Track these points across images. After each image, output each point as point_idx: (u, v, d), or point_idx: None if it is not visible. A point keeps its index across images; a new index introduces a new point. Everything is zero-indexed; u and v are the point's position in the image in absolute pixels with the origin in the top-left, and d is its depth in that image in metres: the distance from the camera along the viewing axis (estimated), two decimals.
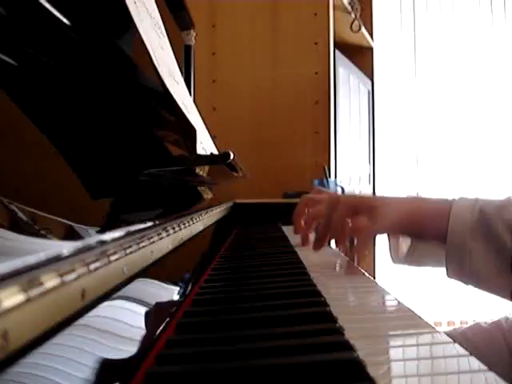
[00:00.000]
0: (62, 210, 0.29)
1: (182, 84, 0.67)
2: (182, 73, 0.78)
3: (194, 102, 0.83)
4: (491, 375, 0.27)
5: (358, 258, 0.60)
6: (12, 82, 0.31)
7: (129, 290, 0.31)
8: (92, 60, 0.45)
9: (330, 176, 1.57)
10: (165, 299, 0.41)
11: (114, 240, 0.30)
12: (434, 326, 0.36)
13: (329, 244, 0.70)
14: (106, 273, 0.26)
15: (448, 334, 0.34)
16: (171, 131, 0.64)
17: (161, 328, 0.36)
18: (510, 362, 0.69)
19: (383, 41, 2.74)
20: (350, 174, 1.96)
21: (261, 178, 1.57)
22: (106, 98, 0.48)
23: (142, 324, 0.33)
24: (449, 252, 0.57)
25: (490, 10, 2.87)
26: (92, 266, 0.24)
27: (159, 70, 0.52)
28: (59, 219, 0.27)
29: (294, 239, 0.82)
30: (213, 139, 0.83)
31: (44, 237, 0.24)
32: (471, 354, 0.29)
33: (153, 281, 0.38)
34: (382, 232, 0.62)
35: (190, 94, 0.97)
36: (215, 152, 0.76)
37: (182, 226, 0.49)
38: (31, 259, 0.20)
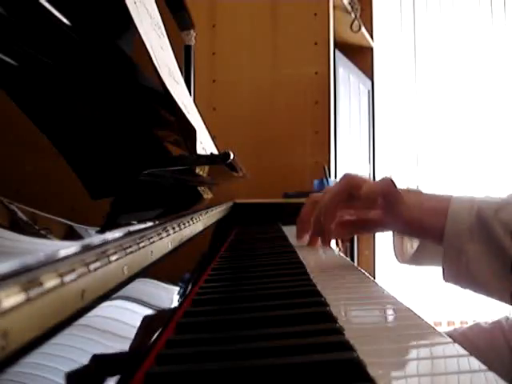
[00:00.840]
0: (62, 210, 0.29)
1: (182, 84, 0.67)
2: (181, 73, 0.78)
3: (194, 101, 0.83)
4: (491, 375, 0.27)
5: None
6: (12, 82, 0.31)
7: (129, 290, 0.31)
8: (92, 60, 0.45)
9: (330, 176, 1.57)
10: (165, 299, 0.41)
11: (114, 240, 0.30)
12: (433, 325, 0.36)
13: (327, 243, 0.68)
14: (106, 273, 0.26)
15: (448, 334, 0.34)
16: (171, 131, 0.64)
17: (161, 328, 0.36)
18: (511, 361, 0.69)
19: (383, 41, 2.74)
20: None
21: (261, 178, 1.57)
22: (106, 98, 0.48)
23: (142, 324, 0.33)
24: (445, 254, 0.56)
25: (490, 9, 2.87)
26: (92, 266, 0.24)
27: (159, 70, 0.52)
28: (59, 219, 0.27)
29: (294, 239, 0.82)
30: (213, 139, 0.83)
31: (44, 237, 0.24)
32: (471, 354, 0.29)
33: (153, 281, 0.38)
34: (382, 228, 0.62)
35: (190, 94, 0.97)
36: (215, 152, 0.76)
37: (182, 226, 0.49)
38: (31, 259, 0.20)
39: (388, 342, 0.34)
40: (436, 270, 0.65)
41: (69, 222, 0.28)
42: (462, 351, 0.30)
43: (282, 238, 0.89)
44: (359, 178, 0.63)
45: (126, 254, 0.30)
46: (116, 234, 0.31)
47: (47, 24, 0.36)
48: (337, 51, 1.75)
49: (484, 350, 0.71)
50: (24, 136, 0.31)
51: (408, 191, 0.61)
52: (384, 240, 2.01)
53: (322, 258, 0.71)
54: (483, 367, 0.28)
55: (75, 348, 0.23)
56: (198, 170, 0.60)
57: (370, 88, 2.37)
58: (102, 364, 0.25)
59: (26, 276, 0.18)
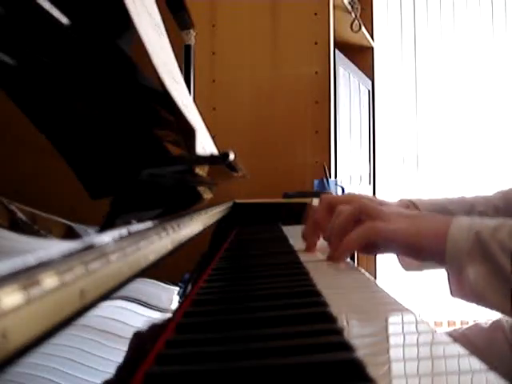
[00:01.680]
0: (62, 209, 0.29)
1: (181, 84, 0.67)
2: (181, 73, 0.78)
3: (194, 101, 0.83)
4: (492, 375, 0.26)
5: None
6: (12, 82, 0.31)
7: (129, 289, 0.31)
8: (91, 60, 0.45)
9: (330, 176, 1.57)
10: (165, 299, 0.41)
11: (114, 240, 0.30)
12: (434, 325, 0.36)
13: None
14: (106, 273, 0.26)
15: (448, 334, 0.34)
16: (171, 131, 0.64)
17: (161, 328, 0.36)
18: (511, 361, 0.69)
19: (383, 41, 2.74)
20: (350, 174, 1.96)
21: (261, 178, 1.57)
22: (105, 98, 0.48)
23: (142, 324, 0.33)
24: (450, 274, 0.58)
25: (490, 9, 2.87)
26: (91, 266, 0.24)
27: (159, 70, 0.52)
28: (59, 219, 0.27)
29: (294, 239, 0.82)
30: (213, 139, 0.83)
31: (43, 237, 0.24)
32: (472, 354, 0.29)
33: (153, 281, 0.38)
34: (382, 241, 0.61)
35: (190, 94, 0.97)
36: (215, 152, 0.76)
37: (182, 226, 0.49)
38: (30, 259, 0.20)
39: (388, 342, 0.34)
40: (436, 271, 0.65)
41: (68, 222, 0.28)
42: (463, 351, 0.30)
43: (282, 238, 0.89)
44: (372, 209, 0.63)
45: (126, 254, 0.30)
46: (116, 233, 0.31)
47: (46, 24, 0.36)
48: (337, 51, 1.75)
49: (484, 350, 0.71)
50: (24, 136, 0.31)
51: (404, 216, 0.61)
52: None
53: (322, 258, 0.70)
54: (484, 367, 0.28)
55: (74, 348, 0.23)
56: (197, 170, 0.60)
57: (370, 88, 2.37)
58: (101, 364, 0.25)
59: (25, 276, 0.18)
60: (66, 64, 0.40)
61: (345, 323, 0.37)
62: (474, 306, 0.58)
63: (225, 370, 0.28)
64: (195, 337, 0.34)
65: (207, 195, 0.81)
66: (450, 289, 0.59)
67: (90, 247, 0.26)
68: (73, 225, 0.28)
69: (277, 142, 1.65)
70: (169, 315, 0.39)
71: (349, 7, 1.92)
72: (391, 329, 0.38)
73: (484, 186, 2.81)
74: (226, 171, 0.67)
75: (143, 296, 0.35)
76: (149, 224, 0.39)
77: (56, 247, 0.23)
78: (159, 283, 0.41)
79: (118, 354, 0.28)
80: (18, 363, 0.18)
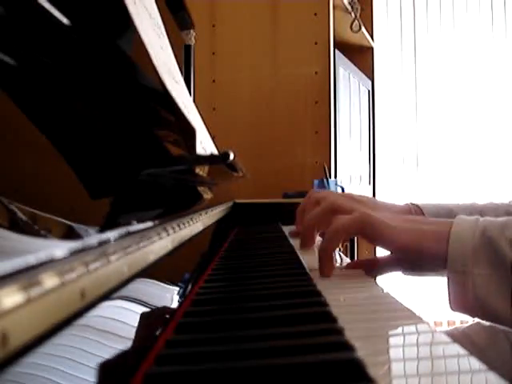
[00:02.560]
0: (62, 209, 0.29)
1: (181, 84, 0.67)
2: (181, 73, 0.78)
3: (194, 102, 0.83)
4: (491, 375, 0.26)
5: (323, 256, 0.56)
6: (12, 82, 0.31)
7: (129, 289, 0.31)
8: (92, 60, 0.45)
9: (330, 176, 1.57)
10: (165, 299, 0.41)
11: (114, 240, 0.30)
12: (434, 325, 0.36)
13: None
14: (106, 273, 0.26)
15: (449, 333, 0.34)
16: (171, 131, 0.64)
17: (161, 328, 0.36)
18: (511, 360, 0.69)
19: (383, 41, 2.74)
20: (350, 174, 1.96)
21: (261, 178, 1.57)
22: (105, 98, 0.48)
23: (142, 324, 0.33)
24: (450, 280, 0.52)
25: (490, 9, 2.87)
26: (92, 266, 0.24)
27: (159, 70, 0.52)
28: (59, 219, 0.27)
29: (295, 239, 0.82)
30: (213, 139, 0.83)
31: (44, 237, 0.24)
32: (472, 353, 0.29)
33: (153, 281, 0.38)
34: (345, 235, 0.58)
35: (190, 94, 0.97)
36: (215, 152, 0.76)
37: (182, 226, 0.49)
38: (31, 259, 0.20)
39: (388, 342, 0.34)
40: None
41: (68, 222, 0.28)
42: (462, 351, 0.30)
43: (282, 237, 0.89)
44: (340, 206, 0.63)
45: (126, 254, 0.30)
46: (116, 233, 0.31)
47: (47, 24, 0.36)
48: (337, 51, 1.75)
49: (485, 349, 0.71)
50: (24, 136, 0.31)
51: (393, 219, 0.57)
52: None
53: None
54: (483, 367, 0.28)
55: (75, 348, 0.23)
56: (197, 170, 0.60)
57: (370, 88, 2.37)
58: (101, 364, 0.25)
59: (25, 276, 0.18)
60: (66, 64, 0.40)
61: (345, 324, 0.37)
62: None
63: (225, 370, 0.28)
64: (195, 337, 0.34)
65: (207, 195, 0.81)
66: (449, 299, 0.53)
67: (90, 247, 0.26)
68: (73, 225, 0.28)
69: (277, 142, 1.65)
70: (169, 315, 0.39)
71: (349, 7, 1.92)
72: (391, 329, 0.38)
73: (484, 186, 2.82)
74: (225, 171, 0.67)
75: (143, 296, 0.35)
76: (149, 224, 0.39)
77: (56, 247, 0.23)
78: (159, 283, 0.41)
79: (117, 354, 0.28)
80: (17, 363, 0.18)
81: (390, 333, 0.36)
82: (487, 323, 0.74)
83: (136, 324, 0.32)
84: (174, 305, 0.42)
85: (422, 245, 0.53)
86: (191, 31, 1.04)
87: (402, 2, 2.90)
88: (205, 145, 0.67)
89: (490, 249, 0.50)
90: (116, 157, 0.45)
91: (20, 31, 0.33)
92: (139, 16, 0.51)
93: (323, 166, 1.56)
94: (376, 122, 2.42)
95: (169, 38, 0.67)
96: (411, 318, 0.39)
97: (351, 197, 0.73)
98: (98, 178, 0.38)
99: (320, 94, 1.65)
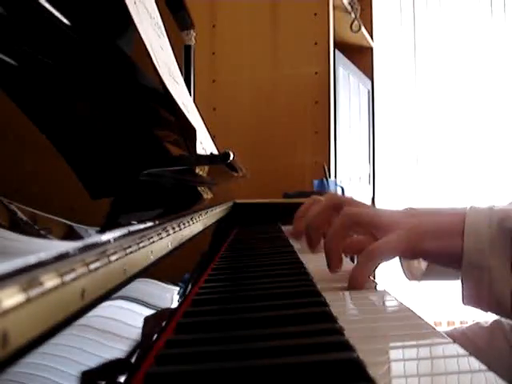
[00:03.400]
0: (62, 210, 0.29)
1: (182, 84, 0.67)
2: (181, 73, 0.78)
3: (194, 102, 0.83)
4: (491, 375, 0.27)
5: (360, 281, 0.51)
6: (12, 82, 0.31)
7: (129, 289, 0.31)
8: (92, 60, 0.45)
9: (330, 176, 1.57)
10: (165, 299, 0.41)
11: (114, 240, 0.30)
12: (433, 325, 0.36)
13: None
14: (106, 273, 0.26)
15: (448, 333, 0.33)
16: (171, 131, 0.64)
17: (161, 328, 0.36)
18: (511, 361, 0.69)
19: (383, 41, 2.74)
20: (350, 174, 1.96)
21: (261, 178, 1.57)
22: (105, 98, 0.48)
23: (142, 324, 0.33)
24: (465, 273, 0.49)
25: (490, 9, 2.87)
26: (92, 266, 0.24)
27: (159, 70, 0.52)
28: (59, 219, 0.27)
29: (294, 240, 0.82)
30: (213, 139, 0.83)
31: (44, 237, 0.24)
32: (472, 354, 0.29)
33: (153, 281, 0.38)
34: (388, 257, 0.53)
35: (190, 94, 0.97)
36: (215, 152, 0.76)
37: (182, 226, 0.49)
38: (31, 259, 0.20)
39: (388, 342, 0.34)
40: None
41: (69, 222, 0.28)
42: (462, 351, 0.30)
43: (281, 237, 0.89)
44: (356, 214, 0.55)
45: (126, 254, 0.30)
46: (116, 233, 0.31)
47: (47, 24, 0.36)
48: (337, 51, 1.75)
49: (484, 350, 0.70)
50: (24, 136, 0.31)
51: (411, 216, 0.53)
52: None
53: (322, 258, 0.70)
54: (483, 367, 0.28)
55: (75, 348, 0.23)
56: (197, 170, 0.60)
57: (370, 88, 2.37)
58: (101, 364, 0.25)
59: (26, 276, 0.18)
60: (66, 64, 0.40)
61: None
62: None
63: (225, 370, 0.28)
64: (195, 337, 0.34)
65: (207, 195, 0.81)
66: (462, 294, 0.51)
67: (90, 247, 0.26)
68: (73, 225, 0.28)
69: (277, 142, 1.65)
70: (169, 315, 0.39)
71: (349, 7, 1.92)
72: (391, 329, 0.38)
73: (484, 186, 2.82)
74: (225, 171, 0.67)
75: (143, 296, 0.35)
76: (149, 224, 0.39)
77: (56, 247, 0.23)
78: (159, 283, 0.41)
79: (118, 354, 0.28)
80: (17, 363, 0.18)
81: (390, 333, 0.36)
82: (487, 323, 0.74)
83: (136, 324, 0.32)
84: (174, 305, 0.42)
85: (437, 244, 0.50)
86: (191, 31, 1.04)
87: (401, 2, 2.89)
88: (205, 145, 0.67)
89: (508, 241, 0.47)
90: (116, 157, 0.45)
91: (20, 31, 0.33)
92: (139, 16, 0.51)
93: (323, 166, 1.56)
94: (376, 122, 2.42)
95: (169, 38, 0.67)
96: (411, 318, 0.39)
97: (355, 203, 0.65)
98: (98, 178, 0.38)
99: (320, 94, 1.65)
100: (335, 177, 1.65)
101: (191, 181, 0.71)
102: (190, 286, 0.49)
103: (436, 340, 0.34)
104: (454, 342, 0.32)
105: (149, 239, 0.35)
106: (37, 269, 0.19)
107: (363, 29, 2.10)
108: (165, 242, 0.40)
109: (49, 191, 0.31)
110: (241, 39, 1.68)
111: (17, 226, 0.23)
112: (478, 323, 0.76)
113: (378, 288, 0.51)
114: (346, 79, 1.94)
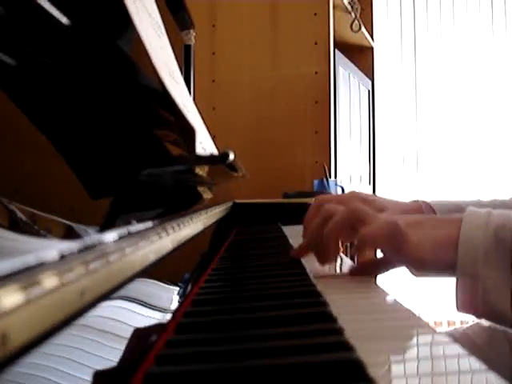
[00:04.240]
0: (62, 210, 0.29)
1: (181, 84, 0.67)
2: (181, 73, 0.78)
3: (194, 101, 0.83)
4: (491, 375, 0.26)
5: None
6: (12, 82, 0.31)
7: (128, 290, 0.31)
8: (91, 60, 0.45)
9: (330, 176, 1.57)
10: (165, 299, 0.41)
11: (114, 240, 0.30)
12: (434, 325, 0.36)
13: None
14: (106, 273, 0.26)
15: (449, 333, 0.33)
16: (171, 131, 0.64)
17: (161, 328, 0.36)
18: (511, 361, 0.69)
19: (383, 41, 2.74)
20: (350, 174, 1.96)
21: (261, 178, 1.57)
22: (105, 98, 0.48)
23: (142, 324, 0.33)
24: (459, 281, 0.49)
25: (490, 9, 2.87)
26: (91, 266, 0.24)
27: (159, 70, 0.52)
28: (59, 219, 0.27)
29: (294, 239, 0.82)
30: (213, 139, 0.83)
31: (44, 237, 0.24)
32: (473, 354, 0.29)
33: (153, 281, 0.38)
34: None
35: (190, 94, 0.97)
36: (215, 152, 0.76)
37: (182, 226, 0.49)
38: (31, 259, 0.20)
39: (388, 342, 0.34)
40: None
41: (68, 222, 0.28)
42: (462, 351, 0.30)
43: (281, 238, 0.89)
44: (365, 213, 0.56)
45: (126, 254, 0.30)
46: (116, 234, 0.31)
47: (47, 24, 0.36)
48: (337, 51, 1.75)
49: (485, 350, 0.70)
50: (24, 136, 0.31)
51: (412, 225, 0.53)
52: None
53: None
54: (483, 367, 0.28)
55: (75, 348, 0.23)
56: (197, 170, 0.60)
57: (370, 88, 2.37)
58: (101, 364, 0.25)
59: (25, 276, 0.18)
60: (66, 64, 0.40)
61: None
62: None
63: (225, 370, 0.28)
64: (195, 337, 0.34)
65: (207, 195, 0.81)
66: (456, 302, 0.50)
67: (90, 247, 0.26)
68: (73, 225, 0.28)
69: (277, 142, 1.65)
70: (169, 315, 0.39)
71: (349, 7, 1.92)
72: (391, 328, 0.38)
73: (484, 185, 2.82)
74: (225, 171, 0.67)
75: (143, 296, 0.35)
76: (149, 224, 0.39)
77: (56, 247, 0.23)
78: (159, 283, 0.41)
79: (117, 354, 0.28)
80: (17, 363, 0.18)
81: (390, 333, 0.36)
82: (487, 324, 0.74)
83: (136, 324, 0.32)
84: (174, 305, 0.42)
85: (433, 256, 0.50)
86: (191, 31, 1.04)
87: (402, 2, 2.89)
88: (205, 145, 0.67)
89: (503, 251, 0.47)
90: (116, 157, 0.45)
91: (20, 31, 0.33)
92: (139, 15, 0.51)
93: (323, 166, 1.56)
94: (376, 122, 2.42)
95: (169, 37, 0.67)
96: (411, 318, 0.39)
97: (363, 198, 0.65)
98: (98, 178, 0.38)
99: (320, 93, 1.65)
100: (335, 177, 1.65)
101: (191, 181, 0.71)
102: (189, 286, 0.49)
103: (436, 340, 0.34)
104: (455, 341, 0.32)
105: (149, 239, 0.35)
106: (37, 269, 0.19)
107: (363, 29, 2.10)
108: (165, 241, 0.40)
109: (49, 191, 0.31)
110: (241, 39, 1.68)
111: (16, 226, 0.23)
112: (478, 323, 0.76)
113: (379, 288, 0.51)
114: (346, 79, 1.94)
